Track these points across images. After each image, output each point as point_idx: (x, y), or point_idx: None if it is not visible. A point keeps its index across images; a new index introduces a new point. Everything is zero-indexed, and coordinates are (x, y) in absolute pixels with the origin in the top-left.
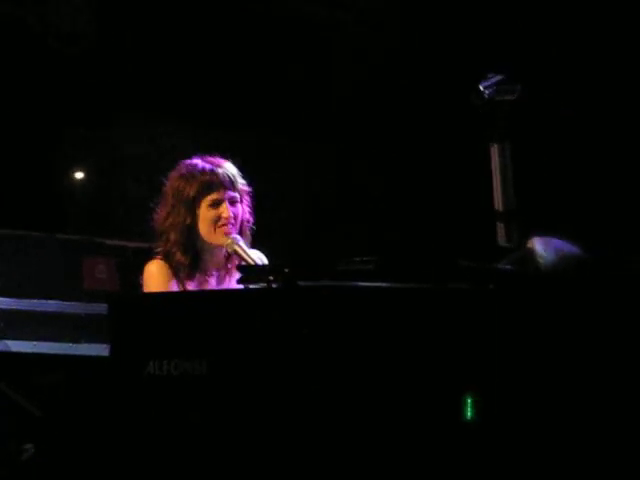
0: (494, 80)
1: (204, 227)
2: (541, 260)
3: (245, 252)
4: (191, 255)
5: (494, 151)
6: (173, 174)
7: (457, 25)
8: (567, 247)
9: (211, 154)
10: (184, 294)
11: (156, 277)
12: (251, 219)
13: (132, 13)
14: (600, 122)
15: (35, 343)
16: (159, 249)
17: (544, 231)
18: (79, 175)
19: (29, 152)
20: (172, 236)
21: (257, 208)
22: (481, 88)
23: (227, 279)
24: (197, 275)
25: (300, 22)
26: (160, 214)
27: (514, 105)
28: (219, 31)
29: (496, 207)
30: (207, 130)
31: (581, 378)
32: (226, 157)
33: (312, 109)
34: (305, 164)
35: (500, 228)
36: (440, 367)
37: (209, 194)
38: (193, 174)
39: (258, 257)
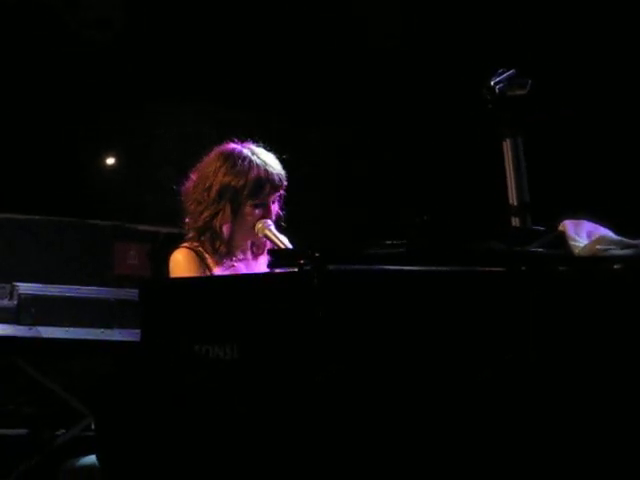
0: (505, 75)
1: (243, 223)
2: (573, 243)
3: (276, 236)
4: (225, 245)
5: (507, 146)
6: (220, 164)
7: (466, 23)
8: (599, 229)
9: (252, 140)
10: (215, 279)
11: (183, 265)
12: (281, 210)
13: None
14: (609, 115)
15: (67, 329)
16: (190, 234)
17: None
18: (110, 160)
19: (60, 138)
20: (212, 230)
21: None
22: (492, 83)
23: (253, 262)
24: (224, 260)
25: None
26: (197, 196)
27: (525, 99)
28: (246, 13)
29: (510, 201)
30: (236, 113)
31: (614, 361)
32: (257, 141)
33: (329, 94)
34: (330, 147)
35: (515, 222)
36: (472, 350)
37: (258, 196)
38: (244, 170)
39: (286, 241)
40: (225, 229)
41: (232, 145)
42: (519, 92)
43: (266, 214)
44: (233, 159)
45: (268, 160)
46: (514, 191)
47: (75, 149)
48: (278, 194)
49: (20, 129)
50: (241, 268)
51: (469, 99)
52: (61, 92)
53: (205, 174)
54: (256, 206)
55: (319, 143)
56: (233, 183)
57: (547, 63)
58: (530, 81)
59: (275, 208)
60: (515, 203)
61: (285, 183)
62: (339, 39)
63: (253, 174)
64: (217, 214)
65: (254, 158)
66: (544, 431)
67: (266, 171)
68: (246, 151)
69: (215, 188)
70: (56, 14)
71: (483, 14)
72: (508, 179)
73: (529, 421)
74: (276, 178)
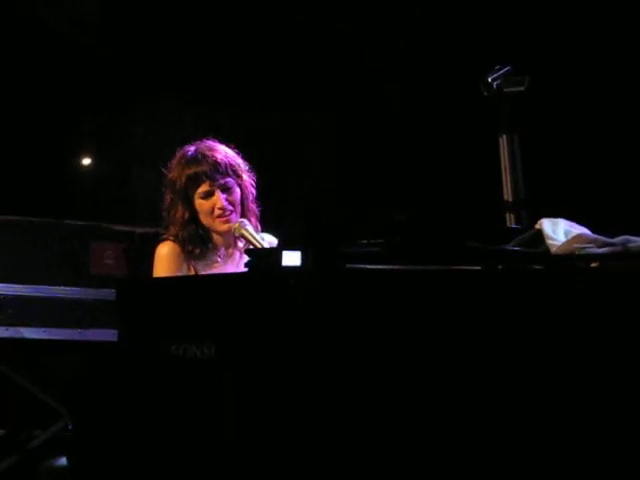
0: (502, 71)
1: (203, 218)
2: (550, 241)
3: (252, 235)
4: (198, 243)
5: (503, 142)
6: (171, 163)
7: (465, 17)
8: (576, 228)
9: (210, 138)
10: (191, 278)
11: (165, 260)
12: (253, 192)
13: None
14: (606, 110)
15: (44, 329)
16: (166, 235)
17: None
18: (86, 161)
19: (36, 139)
20: (173, 229)
21: (261, 189)
22: (489, 79)
23: (238, 257)
24: (207, 255)
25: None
26: (165, 203)
27: (522, 96)
28: (220, 12)
29: (505, 197)
30: (214, 111)
31: (590, 358)
32: (223, 140)
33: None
34: (323, 138)
35: (510, 218)
36: (450, 350)
37: (198, 187)
38: (182, 166)
39: (268, 241)
40: (186, 229)
41: (187, 146)
42: (516, 89)
43: (216, 204)
44: (177, 157)
45: (206, 152)
46: (509, 187)
47: (51, 149)
48: (223, 182)
49: None
50: (224, 263)
51: (466, 94)
52: (36, 92)
53: (167, 178)
54: (202, 199)
55: (313, 134)
56: (175, 178)
57: (545, 60)
58: (527, 78)
59: (231, 197)
60: (510, 199)
61: (236, 169)
62: (335, 33)
63: (186, 168)
64: (175, 214)
65: (190, 154)
66: (524, 431)
67: (196, 162)
68: (192, 148)
69: (168, 187)
70: (35, 11)
71: (482, 9)
72: (503, 175)
73: (506, 419)
74: (208, 167)
